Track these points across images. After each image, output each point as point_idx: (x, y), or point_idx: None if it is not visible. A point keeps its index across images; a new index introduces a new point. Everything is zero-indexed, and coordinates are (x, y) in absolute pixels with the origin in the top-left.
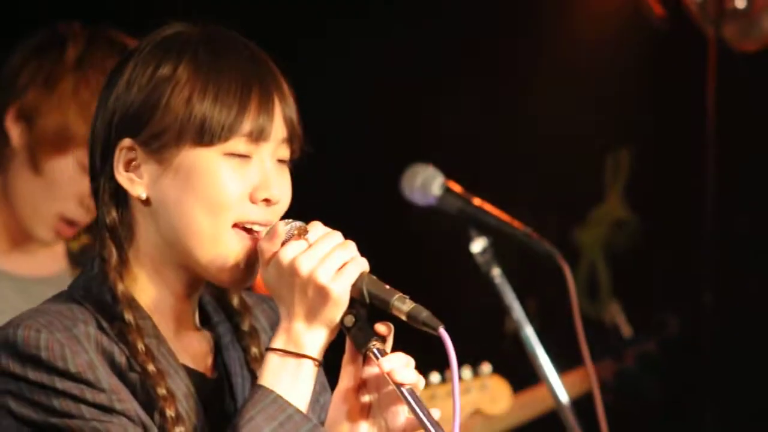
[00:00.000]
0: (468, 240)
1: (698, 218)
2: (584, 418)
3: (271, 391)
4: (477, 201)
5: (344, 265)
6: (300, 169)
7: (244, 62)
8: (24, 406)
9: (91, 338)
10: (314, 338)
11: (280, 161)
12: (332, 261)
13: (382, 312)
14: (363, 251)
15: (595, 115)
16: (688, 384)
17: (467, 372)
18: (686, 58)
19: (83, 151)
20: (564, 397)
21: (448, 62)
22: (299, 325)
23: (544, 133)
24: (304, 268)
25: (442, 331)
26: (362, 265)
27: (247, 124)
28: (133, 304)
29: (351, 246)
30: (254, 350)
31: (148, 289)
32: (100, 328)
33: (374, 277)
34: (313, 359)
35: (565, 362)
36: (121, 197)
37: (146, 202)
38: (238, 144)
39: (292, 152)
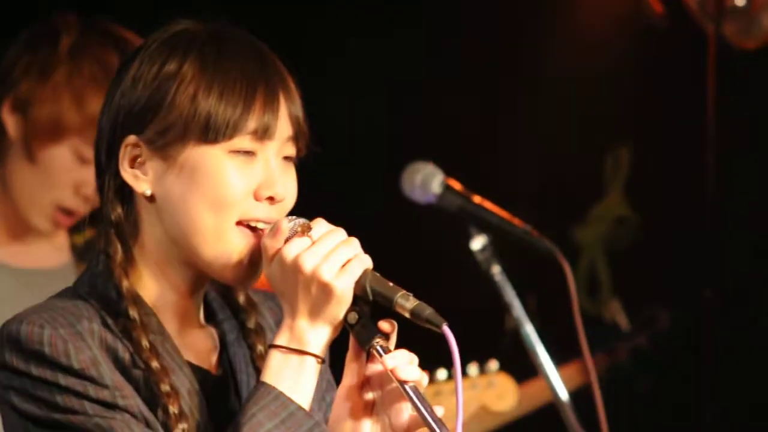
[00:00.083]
0: (468, 237)
1: (698, 216)
2: (578, 412)
3: (274, 388)
4: (477, 198)
5: (348, 262)
6: (299, 167)
7: (250, 60)
8: (27, 402)
9: (95, 334)
10: (317, 335)
11: (286, 159)
12: (336, 258)
13: (386, 309)
14: (363, 249)
15: (595, 112)
16: (688, 381)
17: (474, 369)
18: (686, 55)
19: (78, 140)
20: (564, 395)
21: (448, 61)
22: (302, 322)
23: (544, 131)
24: (308, 265)
25: (446, 329)
26: (366, 262)
27: (252, 122)
28: (137, 300)
29: (354, 243)
30: (260, 348)
31: (152, 286)
32: (105, 324)
33: (378, 275)
34: (316, 356)
35: (560, 357)
36: (126, 194)
37: (151, 198)
38: (242, 142)
39: (299, 150)
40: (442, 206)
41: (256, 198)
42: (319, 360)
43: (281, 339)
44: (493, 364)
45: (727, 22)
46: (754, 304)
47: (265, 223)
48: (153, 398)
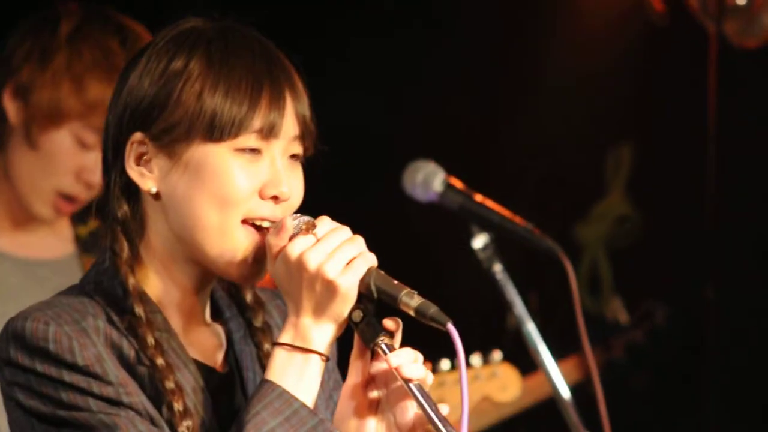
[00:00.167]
0: (470, 236)
1: (699, 214)
2: (575, 408)
3: (278, 386)
4: (478, 197)
5: (352, 260)
6: (304, 166)
7: (257, 58)
8: (32, 398)
9: (100, 331)
10: (322, 333)
11: (293, 158)
12: (340, 256)
13: (390, 307)
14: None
15: (597, 111)
16: (689, 380)
17: (477, 359)
18: (687, 54)
19: (78, 125)
20: (566, 393)
21: (449, 59)
22: (307, 320)
23: (546, 129)
24: (312, 262)
25: (451, 327)
26: (370, 260)
27: (257, 120)
28: (143, 297)
29: (359, 241)
30: (267, 346)
31: (158, 283)
32: (110, 321)
33: (382, 272)
34: (321, 354)
35: (556, 352)
36: (132, 191)
37: (156, 196)
38: (248, 140)
39: (306, 149)
40: (444, 205)
41: (261, 197)
42: (324, 358)
43: (285, 337)
44: (497, 354)
45: (728, 21)
46: (755, 303)
47: (270, 222)
48: (158, 395)
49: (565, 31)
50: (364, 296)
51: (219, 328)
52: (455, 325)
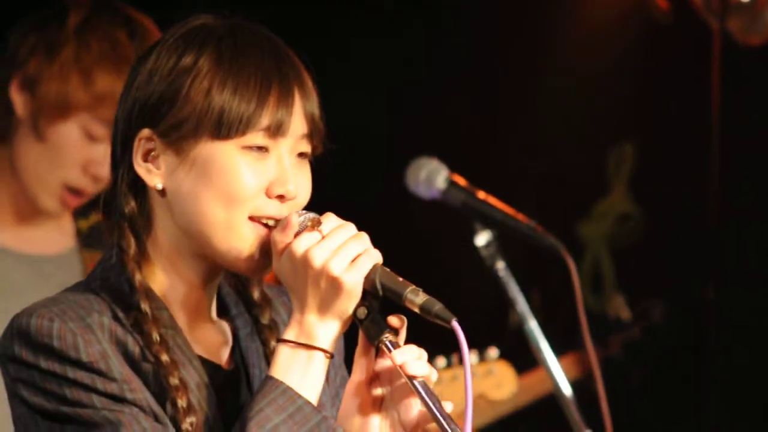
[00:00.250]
0: (472, 233)
1: (702, 212)
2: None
3: (281, 383)
4: (481, 194)
5: (357, 257)
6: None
7: (266, 56)
8: (36, 395)
9: (105, 328)
10: (326, 330)
11: (301, 157)
12: (345, 253)
13: (395, 304)
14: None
15: (599, 108)
16: (690, 377)
17: (473, 357)
18: (691, 51)
19: (86, 117)
20: (567, 390)
21: (452, 57)
22: (311, 316)
23: (549, 127)
24: (318, 259)
25: (455, 324)
26: (375, 257)
27: (265, 118)
28: (150, 294)
29: (364, 238)
30: (273, 344)
31: (164, 280)
32: (115, 318)
33: (387, 270)
34: (325, 351)
35: (558, 350)
36: (139, 187)
37: (162, 192)
38: (255, 138)
39: (314, 148)
40: (447, 202)
41: (268, 195)
42: (328, 355)
43: (290, 333)
44: (493, 352)
45: (732, 18)
46: (756, 302)
47: (276, 220)
48: (162, 392)
49: (569, 29)
50: (368, 293)
51: (225, 325)
52: (459, 322)
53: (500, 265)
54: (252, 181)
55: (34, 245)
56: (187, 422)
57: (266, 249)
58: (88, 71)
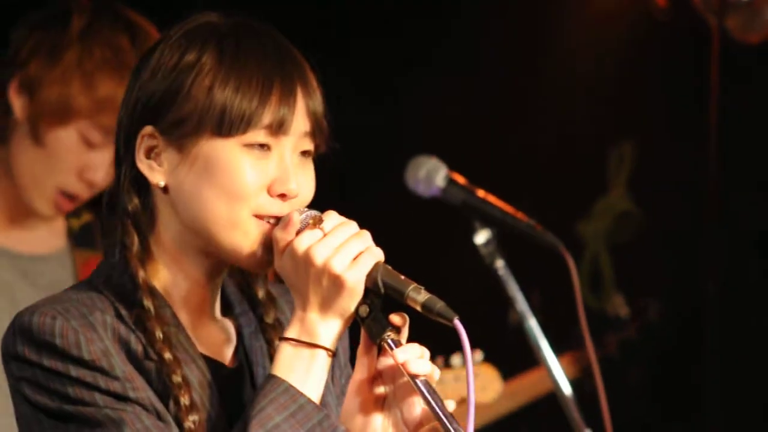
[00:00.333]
0: (472, 232)
1: (701, 210)
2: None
3: (283, 381)
4: (481, 192)
5: (359, 254)
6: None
7: (269, 54)
8: (39, 393)
9: (108, 326)
10: (328, 328)
11: (304, 155)
12: (347, 250)
13: (397, 302)
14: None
15: (599, 107)
16: (689, 376)
17: (456, 360)
18: (689, 49)
19: (85, 124)
20: (567, 389)
21: (452, 56)
22: (313, 315)
23: (548, 126)
24: (319, 257)
25: (457, 322)
26: (377, 255)
27: (267, 116)
28: (153, 292)
29: (366, 236)
30: (278, 343)
31: (168, 277)
32: (118, 316)
33: (389, 267)
34: (327, 349)
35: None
36: (142, 184)
37: (165, 189)
38: (257, 135)
39: (317, 146)
40: (446, 200)
41: (270, 194)
42: (330, 353)
43: (292, 332)
44: (477, 355)
45: (731, 16)
46: (755, 300)
47: (278, 218)
48: (165, 390)
49: (568, 27)
50: (370, 291)
51: (229, 324)
52: (461, 320)
53: (500, 264)
54: (253, 179)
55: (25, 244)
56: (190, 420)
57: (270, 245)
58: (91, 77)
